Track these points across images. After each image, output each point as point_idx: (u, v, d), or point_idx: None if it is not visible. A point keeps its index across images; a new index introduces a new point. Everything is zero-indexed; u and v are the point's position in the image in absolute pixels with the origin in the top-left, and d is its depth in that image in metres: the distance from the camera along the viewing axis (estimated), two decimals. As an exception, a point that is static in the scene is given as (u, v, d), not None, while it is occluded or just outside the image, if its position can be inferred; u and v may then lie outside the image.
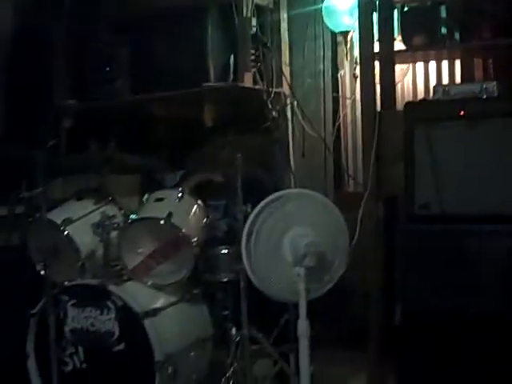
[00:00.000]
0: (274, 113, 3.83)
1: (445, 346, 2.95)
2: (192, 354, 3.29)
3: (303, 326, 2.83)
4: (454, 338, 2.93)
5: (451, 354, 2.94)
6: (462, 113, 2.97)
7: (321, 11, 4.23)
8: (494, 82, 3.01)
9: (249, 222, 2.86)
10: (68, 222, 3.24)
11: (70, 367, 3.16)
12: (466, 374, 2.89)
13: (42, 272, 3.14)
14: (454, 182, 3.00)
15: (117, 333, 3.06)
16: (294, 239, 2.82)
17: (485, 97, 2.97)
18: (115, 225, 3.25)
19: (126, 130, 4.12)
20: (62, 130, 4.24)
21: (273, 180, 3.86)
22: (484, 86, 2.99)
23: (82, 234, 3.25)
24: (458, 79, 4.08)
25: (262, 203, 2.87)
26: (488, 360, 2.87)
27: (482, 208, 2.95)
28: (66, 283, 3.18)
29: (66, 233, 3.21)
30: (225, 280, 3.43)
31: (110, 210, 3.37)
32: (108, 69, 4.16)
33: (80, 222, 3.28)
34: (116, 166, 3.45)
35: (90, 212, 3.33)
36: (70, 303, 3.15)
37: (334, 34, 4.35)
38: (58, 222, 3.23)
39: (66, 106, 4.23)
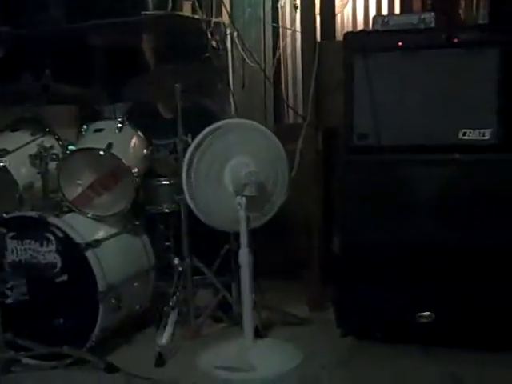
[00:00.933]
0: (213, 43, 3.78)
1: (381, 274, 3.03)
2: (135, 284, 3.33)
3: (245, 254, 2.89)
4: (389, 267, 3.02)
5: (387, 281, 3.03)
6: (400, 43, 2.98)
7: None
8: (432, 13, 3.02)
9: (189, 152, 2.87)
10: (4, 153, 3.17)
11: (11, 300, 3.14)
12: (400, 301, 3.00)
13: (-21, 205, 3.09)
14: (391, 112, 3.03)
15: (59, 264, 3.04)
16: (234, 169, 2.85)
17: (423, 28, 3.00)
18: (53, 156, 3.20)
19: (62, 60, 4.00)
20: (-6, 60, 4.09)
21: (214, 110, 3.84)
22: (422, 17, 3.01)
23: (19, 166, 3.19)
24: (397, 11, 4.11)
25: (202, 134, 2.87)
26: (422, 287, 2.99)
27: (419, 138, 3.00)
28: (4, 215, 3.13)
29: (1, 164, 3.14)
30: (166, 211, 3.45)
31: (48, 141, 3.31)
32: (42, -5, 4.01)
33: (16, 153, 3.22)
34: (52, 95, 3.37)
35: (27, 143, 3.27)
36: (8, 235, 3.11)
37: (274, -37, 4.29)
38: (-6, 153, 3.16)
39: (-2, 33, 4.07)
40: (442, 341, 2.96)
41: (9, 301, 3.14)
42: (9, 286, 3.14)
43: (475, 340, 2.94)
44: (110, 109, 3.62)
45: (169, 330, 3.16)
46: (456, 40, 2.91)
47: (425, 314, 2.97)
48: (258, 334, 3.09)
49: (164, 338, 3.12)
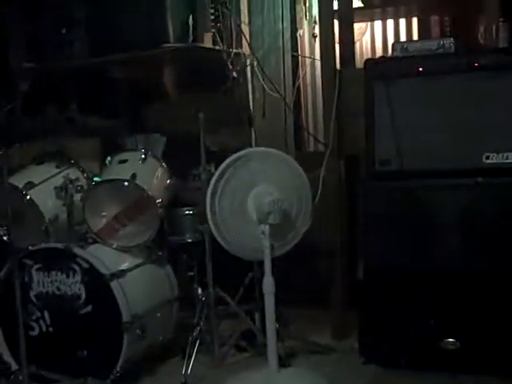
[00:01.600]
0: (234, 73, 3.82)
1: (405, 300, 3.02)
2: (159, 314, 3.33)
3: (269, 282, 2.88)
4: (414, 293, 3.00)
5: (411, 308, 3.01)
6: (420, 69, 3.00)
7: (279, -30, 4.21)
8: (451, 39, 3.05)
9: (212, 181, 2.87)
10: (30, 186, 3.21)
11: (36, 332, 3.16)
12: (425, 327, 2.97)
13: (6, 237, 3.11)
14: (413, 138, 3.04)
15: (83, 295, 3.06)
16: (257, 197, 2.84)
17: (442, 53, 3.01)
18: (78, 188, 3.23)
19: (85, 93, 4.06)
20: (19, 94, 4.16)
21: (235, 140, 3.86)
22: (441, 43, 3.03)
23: (45, 198, 3.23)
24: (415, 37, 4.13)
25: (225, 163, 2.88)
26: (447, 313, 2.96)
27: (441, 163, 3.00)
28: (30, 248, 3.16)
29: (28, 197, 3.18)
30: (189, 241, 3.46)
31: (73, 173, 3.35)
32: (64, 31, 4.08)
33: (42, 185, 3.25)
34: (77, 128, 3.42)
35: (53, 176, 3.31)
36: (34, 267, 3.13)
37: (292, -7, 4.34)
38: (20, 186, 3.19)
39: (22, 69, 4.15)
40: (468, 367, 2.92)
41: (33, 333, 3.16)
42: (34, 317, 3.16)
43: (502, 366, 2.89)
44: (132, 140, 3.66)
45: (193, 359, 3.14)
46: (477, 64, 2.92)
47: (450, 340, 2.94)
48: (282, 362, 3.07)
49: (188, 368, 3.11)
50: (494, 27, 3.09)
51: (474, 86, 2.94)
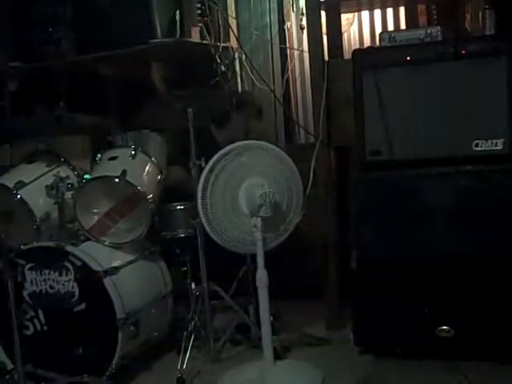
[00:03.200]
0: (222, 67, 3.81)
1: (399, 289, 3.02)
2: (153, 310, 3.32)
3: (262, 275, 2.88)
4: (407, 281, 3.00)
5: (405, 297, 3.02)
6: (408, 58, 3.00)
7: (265, -38, 4.21)
8: (438, 27, 3.05)
9: (203, 175, 2.87)
10: (21, 185, 3.20)
11: (31, 331, 3.16)
12: (419, 316, 2.97)
13: (-3, 237, 3.10)
14: (402, 127, 3.04)
15: (77, 293, 3.06)
16: (249, 190, 2.84)
17: (429, 41, 3.01)
18: (69, 186, 3.22)
19: (74, 91, 4.05)
20: (7, 94, 4.15)
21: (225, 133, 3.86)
22: (429, 31, 3.03)
23: (36, 197, 3.22)
24: (402, 26, 4.13)
25: (216, 156, 2.88)
26: (441, 301, 2.97)
27: (431, 151, 3.00)
28: (22, 247, 3.15)
29: (19, 196, 3.17)
30: (182, 235, 3.46)
31: (63, 171, 3.33)
32: (51, 29, 4.07)
33: (33, 184, 3.25)
34: (66, 126, 3.40)
35: (43, 174, 3.30)
36: (27, 267, 3.13)
37: (279, -14, 4.34)
38: (11, 185, 3.19)
39: (9, 68, 4.13)
40: (464, 354, 2.93)
41: (28, 332, 3.15)
42: (28, 317, 3.15)
43: (498, 352, 2.90)
44: (123, 137, 3.65)
45: (188, 354, 3.15)
46: (464, 52, 2.92)
47: (445, 327, 2.95)
48: (277, 355, 3.07)
49: (184, 363, 3.11)
50: (480, 14, 3.09)
51: (461, 73, 2.94)
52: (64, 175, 3.27)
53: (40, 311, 3.14)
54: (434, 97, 2.98)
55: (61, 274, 3.08)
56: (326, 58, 3.55)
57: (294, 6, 4.30)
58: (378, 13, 4.20)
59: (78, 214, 3.22)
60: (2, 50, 4.15)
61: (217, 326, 3.44)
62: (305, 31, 3.99)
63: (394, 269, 3.03)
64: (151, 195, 3.27)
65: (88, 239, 3.25)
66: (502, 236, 2.89)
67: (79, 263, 3.06)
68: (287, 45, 4.36)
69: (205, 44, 3.88)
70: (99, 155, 3.43)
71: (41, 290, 3.12)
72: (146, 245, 3.43)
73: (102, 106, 4.13)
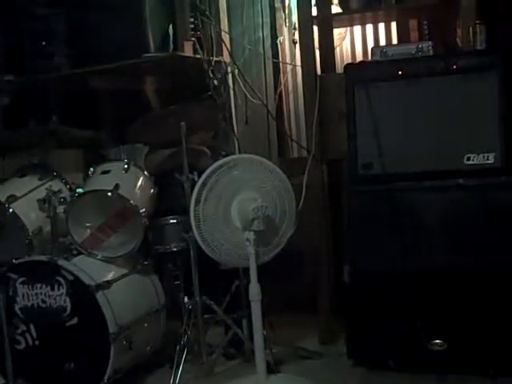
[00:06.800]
0: (215, 81, 3.82)
1: (392, 302, 3.03)
2: (145, 324, 3.31)
3: (254, 289, 2.88)
4: (400, 294, 3.00)
5: (398, 310, 3.02)
6: (400, 72, 3.02)
7: (257, -23, 4.23)
8: (430, 42, 3.08)
9: (196, 189, 2.87)
10: (12, 199, 3.20)
11: (22, 345, 3.13)
12: (412, 329, 2.97)
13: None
14: (395, 141, 3.05)
15: (69, 307, 3.04)
16: (241, 204, 2.84)
17: (421, 56, 3.04)
18: (61, 199, 3.21)
19: (67, 105, 4.06)
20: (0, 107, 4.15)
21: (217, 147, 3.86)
22: (420, 46, 3.06)
23: (28, 211, 3.22)
24: (394, 41, 4.15)
25: (208, 170, 2.88)
26: (434, 315, 2.97)
27: (423, 165, 3.02)
28: (14, 261, 3.14)
29: (11, 210, 3.17)
30: (175, 249, 3.45)
31: (55, 185, 3.34)
32: (44, 43, 4.07)
33: (25, 198, 3.25)
34: (59, 140, 3.41)
35: (35, 188, 3.30)
36: (19, 281, 3.11)
37: (271, 0, 4.35)
38: (2, 199, 3.19)
39: (2, 82, 4.13)
40: (456, 368, 2.93)
41: (20, 347, 3.13)
42: (19, 331, 3.13)
43: (490, 366, 2.90)
44: (116, 151, 3.66)
45: (181, 368, 3.13)
46: (455, 66, 2.95)
47: (438, 341, 2.95)
48: (271, 369, 3.06)
49: (177, 378, 3.10)
50: (470, 29, 3.11)
51: (453, 87, 2.96)
52: (56, 189, 3.27)
53: (32, 326, 3.12)
54: (425, 111, 3.00)
55: (53, 289, 3.07)
56: (319, 72, 3.58)
57: (287, 20, 4.32)
58: (370, 28, 4.23)
59: (71, 228, 3.21)
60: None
61: (210, 341, 3.43)
62: (297, 45, 4.02)
63: (386, 282, 3.04)
64: (144, 209, 3.26)
65: (80, 253, 3.24)
66: (494, 250, 2.89)
67: (71, 277, 3.04)
68: (280, 59, 4.37)
69: (198, 58, 3.89)
70: (92, 169, 3.42)
71: (32, 305, 3.10)
72: (139, 259, 3.42)
73: (95, 119, 4.13)
